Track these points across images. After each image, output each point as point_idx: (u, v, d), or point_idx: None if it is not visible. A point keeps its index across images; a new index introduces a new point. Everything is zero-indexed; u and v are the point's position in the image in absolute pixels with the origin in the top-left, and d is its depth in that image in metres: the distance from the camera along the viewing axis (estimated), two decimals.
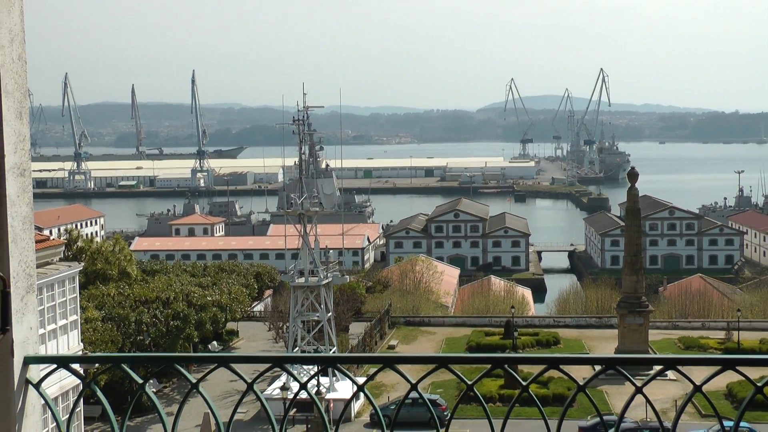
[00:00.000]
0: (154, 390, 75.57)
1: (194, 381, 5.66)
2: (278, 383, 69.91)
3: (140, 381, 5.68)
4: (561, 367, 5.76)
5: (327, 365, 7.40)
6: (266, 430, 66.86)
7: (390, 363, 5.79)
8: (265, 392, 70.26)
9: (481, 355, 5.71)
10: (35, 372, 5.14)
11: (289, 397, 61.97)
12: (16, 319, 4.90)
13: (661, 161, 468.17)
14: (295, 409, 66.13)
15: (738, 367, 5.51)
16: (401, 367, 5.73)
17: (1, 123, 4.80)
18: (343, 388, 72.88)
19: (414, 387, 5.52)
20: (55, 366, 5.32)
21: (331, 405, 67.01)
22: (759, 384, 5.40)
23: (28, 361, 5.07)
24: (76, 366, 5.78)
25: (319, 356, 6.51)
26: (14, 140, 4.92)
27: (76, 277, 49.21)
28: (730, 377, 5.73)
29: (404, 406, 6.68)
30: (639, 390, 5.57)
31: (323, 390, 70.47)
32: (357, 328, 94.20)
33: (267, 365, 6.02)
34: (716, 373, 5.50)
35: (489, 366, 6.49)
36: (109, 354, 6.42)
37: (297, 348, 75.12)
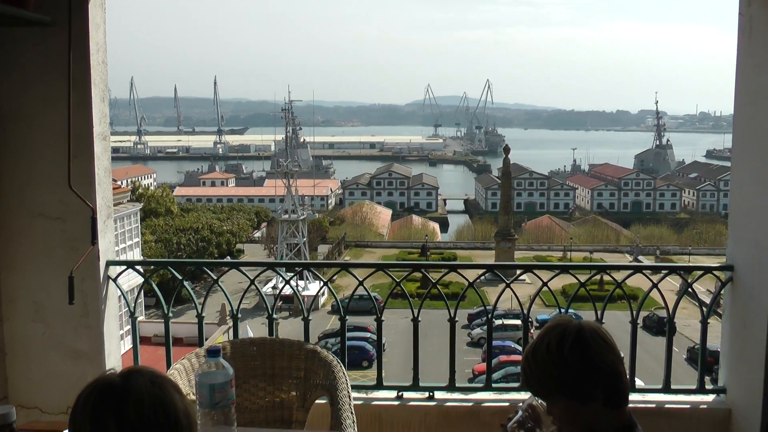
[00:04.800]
0: (190, 286, 75.05)
1: (215, 278, 5.74)
2: (271, 283, 69.90)
3: (180, 278, 5.75)
4: (458, 271, 5.88)
5: (303, 269, 7.48)
6: (262, 314, 66.72)
7: (345, 267, 5.90)
8: (262, 289, 70.14)
9: (405, 262, 5.80)
10: (113, 271, 5.17)
11: (277, 292, 61.99)
12: (101, 236, 4.92)
13: (525, 141, 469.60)
14: (281, 301, 66.35)
15: (570, 271, 5.67)
16: (353, 271, 5.83)
17: (90, 104, 4.79)
18: (313, 288, 72.91)
19: (361, 283, 5.63)
20: (126, 267, 5.34)
21: (305, 298, 67.02)
22: (583, 281, 5.57)
23: (109, 263, 5.09)
24: (139, 268, 5.80)
25: (297, 262, 6.60)
26: (99, 116, 4.90)
27: (137, 213, 48.67)
28: (564, 280, 5.89)
29: (353, 300, 6.80)
30: (507, 285, 5.72)
31: (300, 288, 70.55)
32: (323, 249, 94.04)
33: (263, 268, 6.12)
34: (555, 275, 5.66)
35: (410, 270, 6.58)
36: (160, 259, 6.44)
37: None
